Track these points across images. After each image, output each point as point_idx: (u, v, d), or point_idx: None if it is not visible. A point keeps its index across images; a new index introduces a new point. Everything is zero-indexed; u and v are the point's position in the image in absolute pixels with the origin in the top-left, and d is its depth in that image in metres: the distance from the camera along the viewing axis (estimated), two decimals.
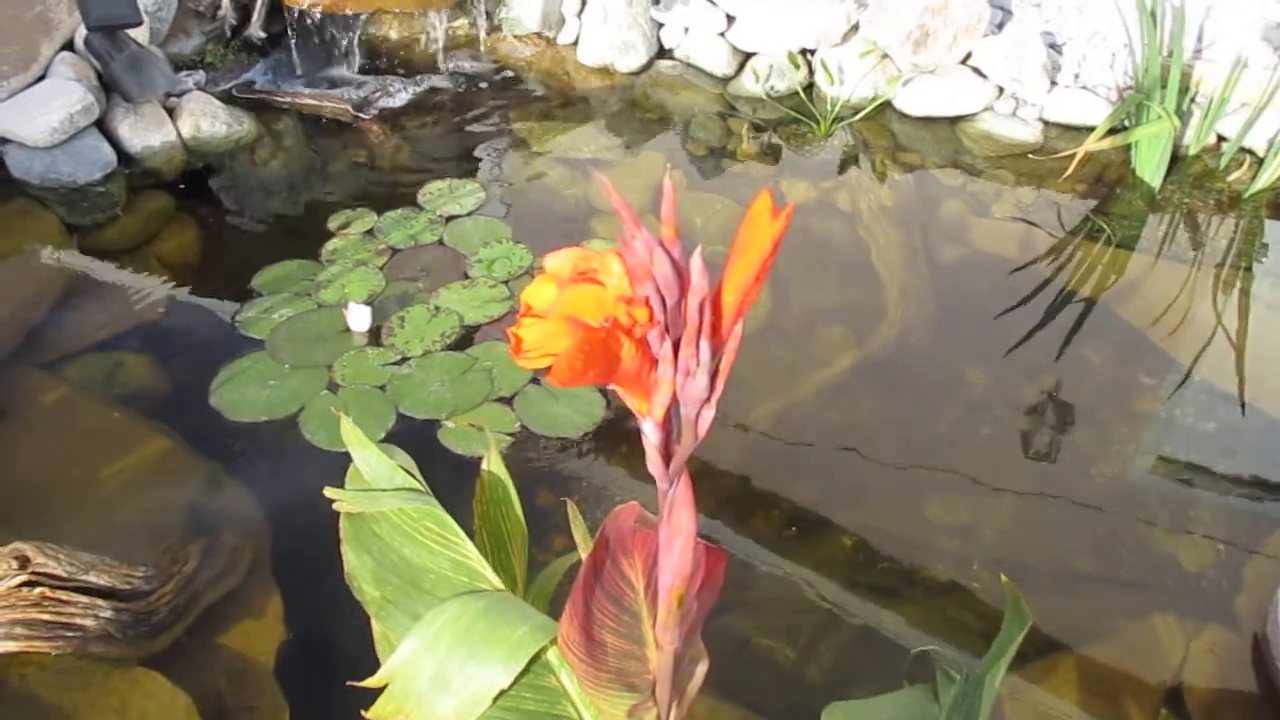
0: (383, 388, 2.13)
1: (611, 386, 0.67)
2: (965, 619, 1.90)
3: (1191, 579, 1.98)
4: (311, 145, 3.12)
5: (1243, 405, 2.41)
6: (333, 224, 2.64)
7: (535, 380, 2.19)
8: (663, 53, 3.57)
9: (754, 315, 2.52)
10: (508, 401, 2.13)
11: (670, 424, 0.70)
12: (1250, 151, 3.16)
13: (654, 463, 0.72)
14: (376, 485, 1.07)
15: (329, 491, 1.03)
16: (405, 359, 2.20)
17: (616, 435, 2.12)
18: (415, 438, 2.04)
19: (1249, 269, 2.93)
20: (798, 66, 3.33)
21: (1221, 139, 3.19)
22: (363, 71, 3.33)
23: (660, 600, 0.80)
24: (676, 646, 0.83)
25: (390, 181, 2.94)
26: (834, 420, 2.29)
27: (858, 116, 3.29)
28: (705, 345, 0.65)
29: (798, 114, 3.32)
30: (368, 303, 2.33)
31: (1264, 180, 3.02)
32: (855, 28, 3.37)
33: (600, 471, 2.05)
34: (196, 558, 1.79)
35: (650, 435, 0.70)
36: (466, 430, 2.04)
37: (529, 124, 3.26)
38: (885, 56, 3.32)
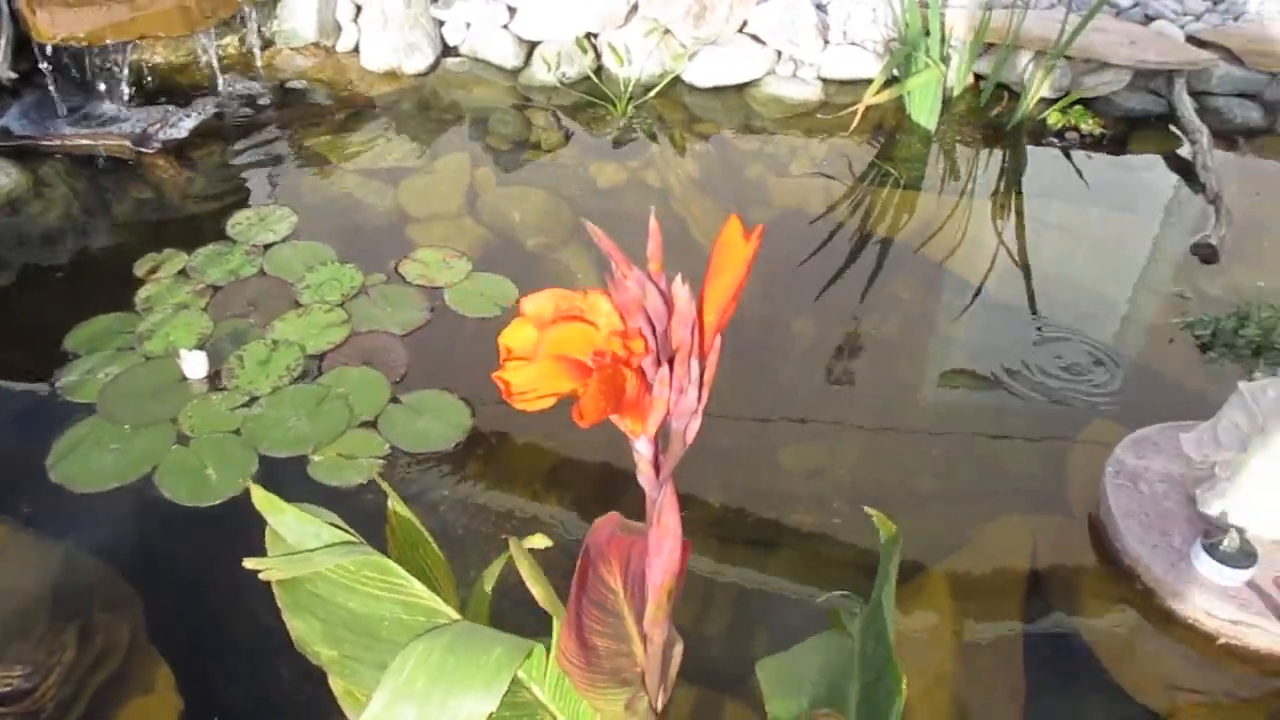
0: (237, 432, 2.05)
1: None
2: (839, 554, 2.04)
3: (1024, 479, 2.20)
4: (93, 189, 2.92)
5: (1034, 312, 2.67)
6: (140, 270, 2.50)
7: (395, 399, 2.17)
8: (448, 50, 3.55)
9: None
10: (371, 425, 2.10)
11: (659, 438, 0.75)
12: (1005, 87, 3.48)
13: (645, 475, 0.77)
14: (302, 546, 1.05)
15: (250, 563, 1.00)
16: (254, 399, 2.13)
17: (488, 441, 2.13)
18: (284, 477, 1.98)
19: (1020, 193, 3.24)
20: (585, 51, 3.39)
21: (980, 78, 3.49)
22: (135, 103, 3.14)
23: (650, 596, 0.85)
24: (665, 637, 0.88)
25: (190, 217, 2.80)
26: None
27: (651, 94, 3.39)
28: (695, 364, 0.70)
29: (593, 98, 3.38)
30: (199, 347, 2.23)
31: (1021, 112, 3.33)
32: (635, 8, 3.46)
33: (481, 479, 2.06)
34: (73, 644, 1.69)
35: (644, 451, 0.75)
36: (336, 461, 2.01)
37: (324, 138, 3.17)
38: (668, 33, 3.43)
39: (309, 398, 2.13)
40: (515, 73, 3.50)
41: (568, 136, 3.26)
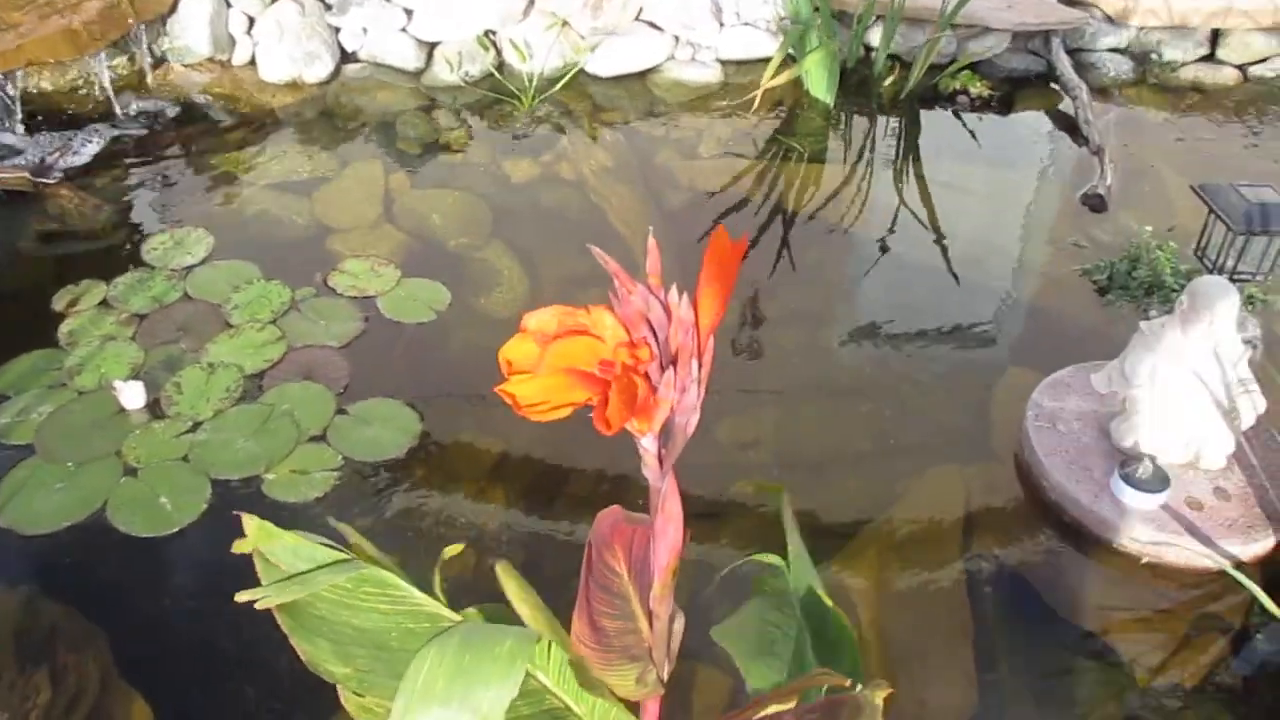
0: (185, 459, 2.04)
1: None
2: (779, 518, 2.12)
3: (949, 430, 2.33)
4: None
5: (953, 274, 2.81)
6: (59, 304, 2.45)
7: (341, 411, 2.18)
8: (347, 57, 3.53)
9: (512, 298, 2.62)
10: (321, 439, 2.11)
11: (662, 434, 0.81)
12: (896, 57, 3.62)
13: (651, 467, 0.83)
14: (296, 570, 1.07)
15: (242, 596, 1.02)
16: (197, 424, 2.12)
17: (437, 443, 2.17)
18: (239, 499, 1.99)
19: (918, 158, 3.38)
20: (487, 48, 3.41)
21: (869, 49, 3.62)
22: (29, 132, 3.05)
23: (656, 576, 0.91)
24: (670, 613, 0.95)
25: (103, 246, 2.75)
26: None
27: (557, 87, 3.43)
28: (694, 364, 0.76)
29: (498, 94, 3.40)
30: (134, 377, 2.20)
31: (914, 80, 3.47)
32: (533, 3, 3.49)
33: (433, 480, 2.09)
34: (46, 686, 1.68)
35: (650, 447, 0.81)
36: (290, 478, 2.02)
37: (230, 154, 3.13)
38: (567, 25, 3.47)
39: (254, 418, 2.13)
40: (417, 74, 3.50)
41: (477, 135, 3.28)
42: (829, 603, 1.17)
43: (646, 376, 0.73)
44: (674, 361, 0.76)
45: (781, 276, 2.76)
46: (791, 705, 0.97)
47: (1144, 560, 1.96)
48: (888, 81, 3.57)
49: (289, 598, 1.04)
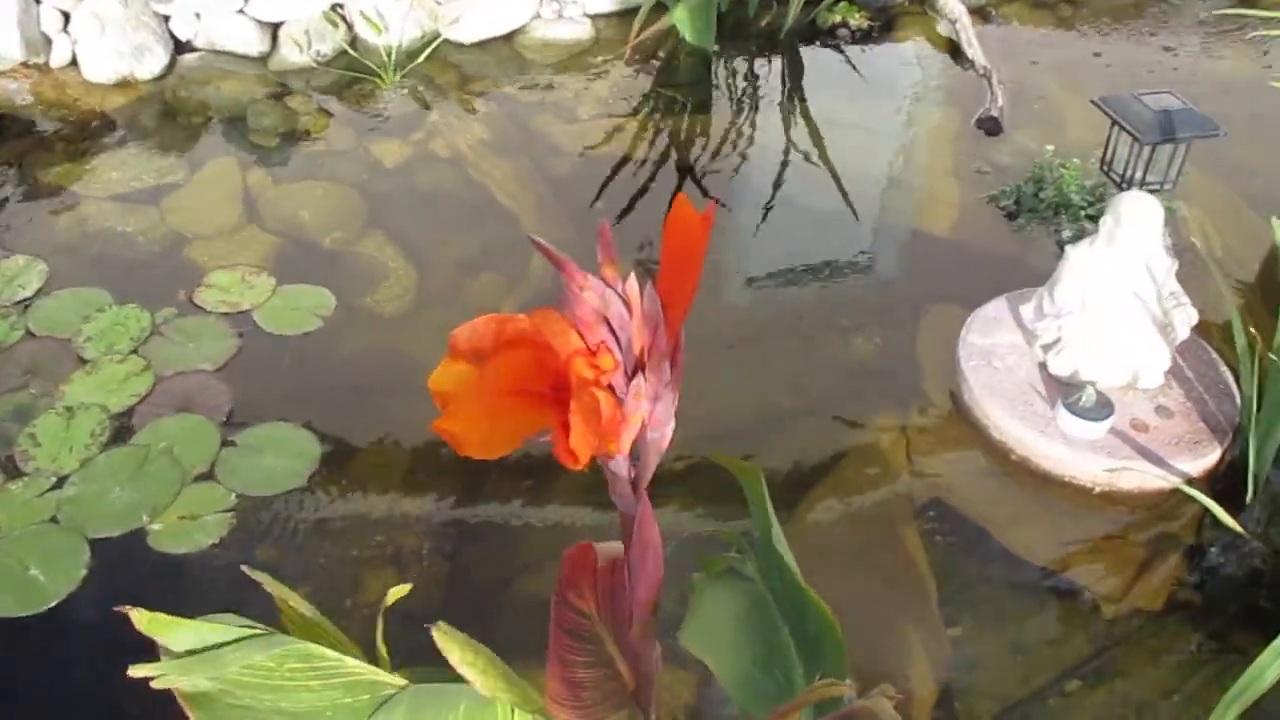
0: (54, 520, 1.80)
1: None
2: (716, 491, 2.00)
3: (878, 377, 2.24)
4: None
5: (855, 212, 2.71)
6: None
7: (228, 442, 1.96)
8: (181, 47, 3.21)
9: (401, 293, 2.42)
10: (209, 477, 1.89)
11: (632, 454, 0.67)
12: None
13: (622, 493, 0.69)
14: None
15: (137, 670, 0.86)
16: (63, 479, 1.88)
17: (341, 464, 1.97)
18: (123, 557, 1.76)
19: (803, 97, 3.27)
20: (336, 24, 3.15)
21: None
22: None
23: (635, 614, 0.77)
24: (655, 651, 0.82)
25: None
26: None
27: (419, 60, 3.19)
28: (666, 367, 0.62)
29: (355, 73, 3.15)
30: None
31: (791, 17, 3.35)
32: None
33: (342, 504, 1.90)
34: None
35: (620, 471, 0.67)
36: (178, 525, 1.80)
37: (59, 167, 2.81)
38: None
39: (128, 462, 1.90)
40: (263, 59, 3.21)
41: (338, 119, 3.03)
42: (810, 593, 1.05)
43: (610, 389, 0.59)
44: (641, 367, 0.62)
45: None
46: None
47: (1097, 490, 1.91)
48: (764, 21, 3.45)
49: (195, 675, 0.87)
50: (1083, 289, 1.93)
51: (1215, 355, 2.09)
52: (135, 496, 1.84)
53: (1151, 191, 2.17)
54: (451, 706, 0.89)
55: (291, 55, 3.17)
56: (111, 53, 3.03)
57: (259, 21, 3.18)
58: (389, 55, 3.14)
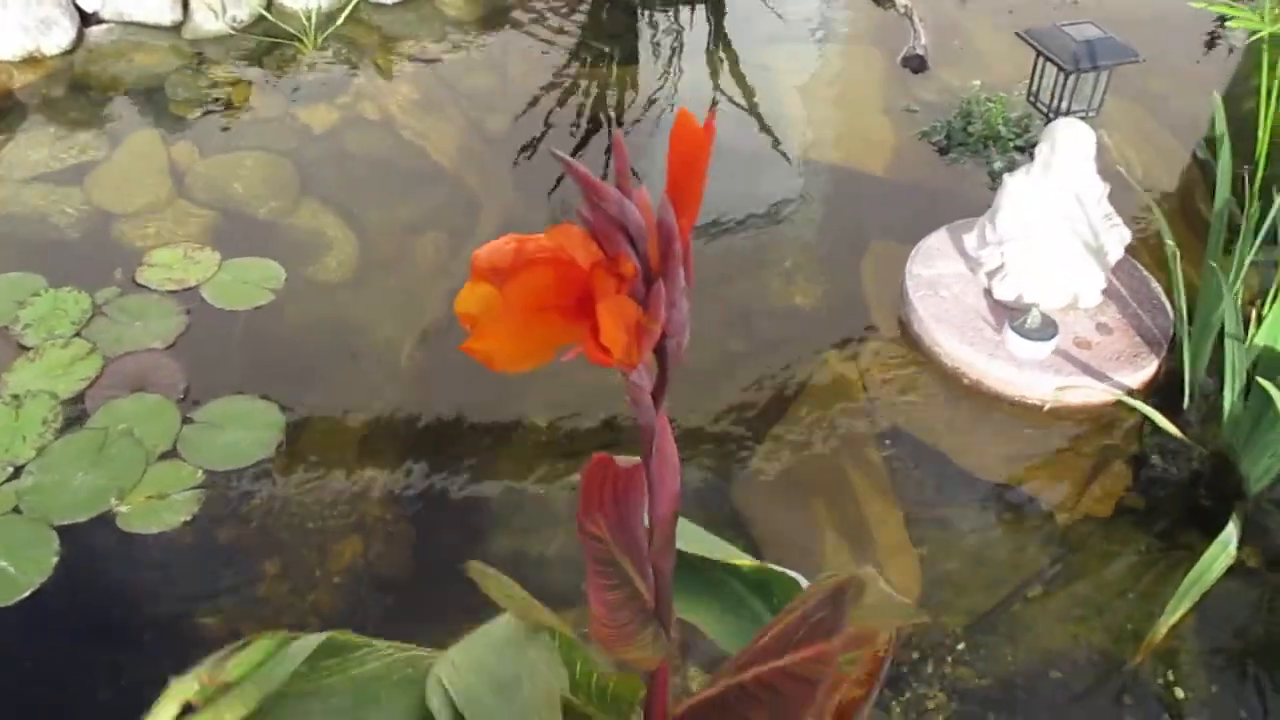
0: (17, 510, 1.76)
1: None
2: (683, 437, 2.04)
3: (826, 314, 2.29)
4: None
5: (785, 157, 2.75)
6: None
7: (188, 420, 1.93)
8: (88, 19, 3.09)
9: (344, 259, 2.40)
10: (173, 455, 1.86)
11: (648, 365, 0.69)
12: None
13: (644, 406, 0.70)
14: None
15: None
16: (19, 469, 1.83)
17: (309, 432, 1.96)
18: (93, 542, 1.73)
19: (729, 44, 3.29)
20: None
21: None
22: None
23: (656, 528, 0.80)
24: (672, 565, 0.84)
25: None
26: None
27: (339, 21, 3.12)
28: (680, 272, 0.64)
29: (276, 38, 3.07)
30: None
31: None
32: None
33: (313, 472, 1.89)
34: None
35: (641, 382, 0.68)
36: (147, 505, 1.77)
37: None
38: None
39: (87, 446, 1.86)
40: (176, 28, 3.11)
41: (261, 86, 2.96)
42: (735, 564, 1.08)
43: (632, 296, 0.61)
44: (661, 274, 0.64)
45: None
46: (795, 615, 0.88)
47: (1046, 407, 1.99)
48: None
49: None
50: (1023, 216, 2.00)
51: (1146, 273, 2.19)
52: (100, 480, 1.80)
53: (1079, 119, 2.24)
54: (499, 649, 0.91)
55: (206, 23, 3.07)
56: (16, 26, 2.90)
57: None
58: (309, 19, 3.07)
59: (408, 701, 0.90)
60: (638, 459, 0.80)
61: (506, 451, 1.98)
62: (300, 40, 3.05)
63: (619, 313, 0.58)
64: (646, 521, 0.82)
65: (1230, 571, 1.61)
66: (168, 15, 3.08)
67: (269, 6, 3.14)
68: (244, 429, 1.91)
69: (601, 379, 2.11)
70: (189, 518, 1.77)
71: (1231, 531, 1.59)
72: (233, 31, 3.08)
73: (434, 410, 2.04)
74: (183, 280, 2.22)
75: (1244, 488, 1.85)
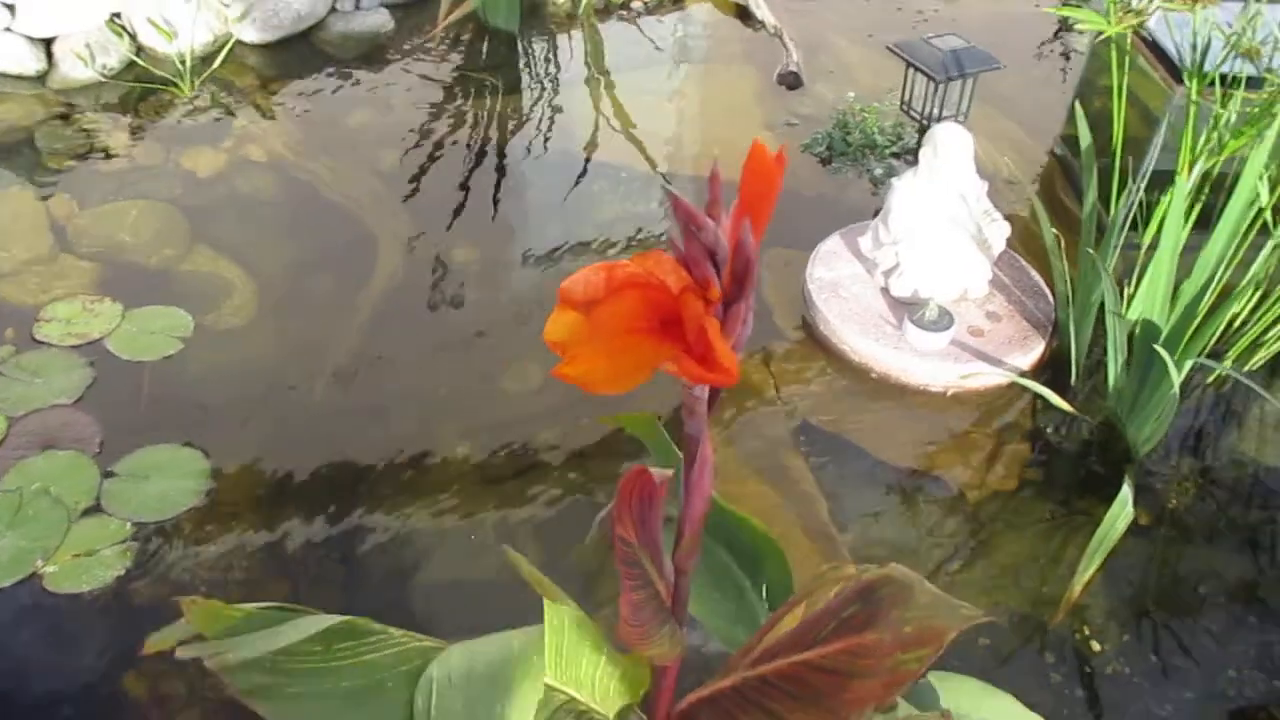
0: None
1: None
2: (602, 449, 2.09)
3: None
4: None
5: (665, 176, 2.84)
6: None
7: (108, 473, 1.87)
8: None
9: (244, 303, 2.37)
10: (97, 510, 1.80)
11: None
12: None
13: (698, 415, 0.76)
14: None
15: (185, 651, 0.87)
16: None
17: (235, 475, 1.92)
18: (21, 606, 1.66)
19: (607, 71, 3.37)
20: (120, 34, 2.98)
21: None
22: None
23: (687, 527, 0.85)
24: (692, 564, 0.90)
25: None
26: (384, 352, 2.26)
27: (216, 64, 3.07)
28: (752, 294, 0.70)
29: (149, 84, 3.00)
30: None
31: None
32: None
33: (244, 514, 1.86)
34: None
35: (701, 395, 0.74)
36: (74, 563, 1.71)
37: None
38: None
39: (2, 510, 1.78)
40: (41, 78, 3.00)
41: (139, 134, 2.88)
42: (740, 514, 1.15)
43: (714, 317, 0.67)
44: (739, 294, 0.69)
45: (509, 212, 2.69)
46: (825, 603, 0.94)
47: (949, 393, 2.13)
48: (560, 0, 3.52)
49: (245, 655, 0.88)
50: (911, 217, 2.14)
51: (1024, 262, 2.36)
52: (20, 543, 1.73)
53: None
54: (503, 645, 0.94)
55: (74, 71, 2.97)
56: None
57: (30, 39, 2.97)
58: (183, 62, 3.01)
59: (411, 693, 0.93)
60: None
61: (427, 482, 1.99)
62: (176, 85, 2.99)
63: (716, 336, 0.63)
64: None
65: (1126, 531, 1.75)
66: (31, 65, 2.97)
67: (139, 52, 3.06)
68: (170, 478, 1.87)
69: (517, 408, 2.14)
70: (122, 571, 1.72)
71: (1127, 493, 1.73)
72: (103, 79, 2.99)
73: (353, 447, 2.03)
74: (84, 334, 2.15)
75: (1131, 452, 2.01)
